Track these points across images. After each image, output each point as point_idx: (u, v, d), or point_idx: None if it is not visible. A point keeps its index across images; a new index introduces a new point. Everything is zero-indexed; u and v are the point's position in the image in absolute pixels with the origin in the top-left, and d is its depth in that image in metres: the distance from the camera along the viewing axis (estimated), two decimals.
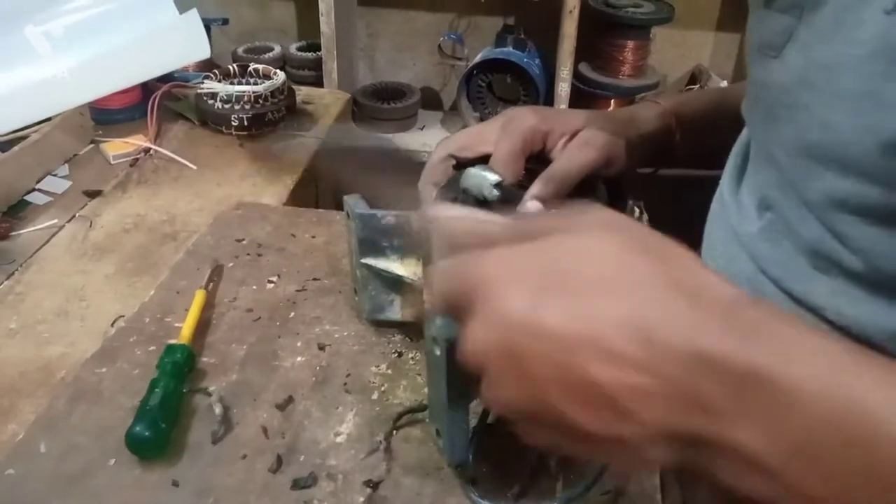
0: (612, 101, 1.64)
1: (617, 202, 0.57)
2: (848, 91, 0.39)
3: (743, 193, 0.52)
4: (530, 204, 0.53)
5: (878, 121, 0.37)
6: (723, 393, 0.29)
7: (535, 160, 0.58)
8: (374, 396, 0.57)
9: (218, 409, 0.54)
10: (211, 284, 0.69)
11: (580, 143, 0.57)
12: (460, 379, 0.44)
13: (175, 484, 0.49)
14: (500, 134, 0.58)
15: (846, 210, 0.41)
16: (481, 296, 0.33)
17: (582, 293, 0.31)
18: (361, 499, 0.49)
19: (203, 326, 0.63)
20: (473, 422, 0.49)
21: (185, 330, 0.61)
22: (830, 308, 0.44)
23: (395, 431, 0.54)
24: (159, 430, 0.51)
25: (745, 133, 0.56)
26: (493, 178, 0.52)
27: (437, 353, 0.43)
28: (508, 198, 0.53)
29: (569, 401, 0.31)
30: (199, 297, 0.65)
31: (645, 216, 0.55)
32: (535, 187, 0.55)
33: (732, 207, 0.53)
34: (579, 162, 0.56)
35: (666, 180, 0.68)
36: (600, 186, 0.58)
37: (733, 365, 0.29)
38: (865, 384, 0.29)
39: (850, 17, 0.38)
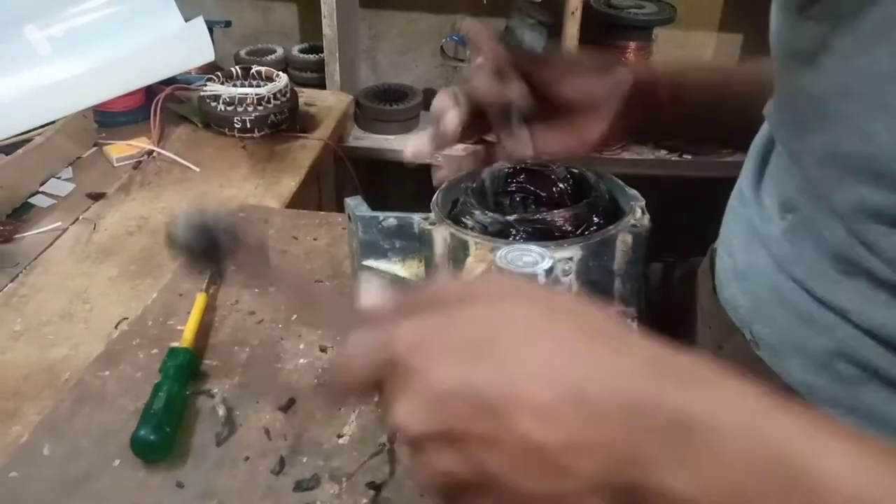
0: None
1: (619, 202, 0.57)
2: (891, 103, 0.38)
3: (764, 193, 0.52)
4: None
5: None
6: (653, 439, 0.29)
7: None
8: (377, 398, 0.57)
9: (221, 411, 0.54)
10: (213, 287, 0.69)
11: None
12: None
13: (180, 485, 0.50)
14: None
15: (877, 220, 0.40)
16: (407, 369, 0.33)
17: (507, 357, 0.31)
18: (364, 500, 0.49)
19: (206, 329, 0.64)
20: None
21: (187, 333, 0.61)
22: (855, 311, 0.43)
23: (398, 433, 0.54)
24: (164, 433, 0.51)
25: (764, 131, 0.55)
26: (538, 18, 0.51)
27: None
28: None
29: (505, 464, 0.31)
30: (199, 301, 0.65)
31: (646, 217, 0.55)
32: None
33: (753, 206, 0.52)
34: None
35: (673, 180, 0.68)
36: (601, 187, 0.58)
37: (663, 411, 0.29)
38: (792, 431, 0.29)
39: (890, 28, 0.37)
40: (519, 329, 0.32)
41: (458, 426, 0.31)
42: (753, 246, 0.51)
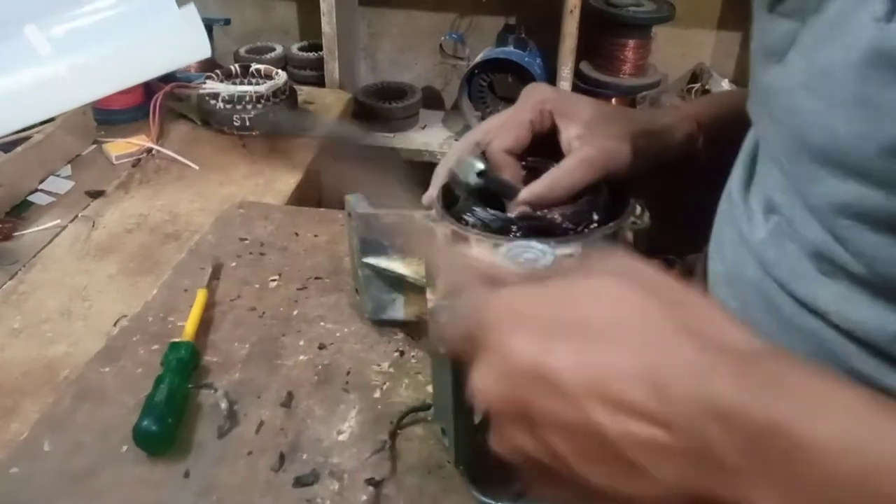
0: (613, 99, 1.64)
1: (619, 199, 0.58)
2: (845, 97, 0.39)
3: (752, 197, 0.52)
4: (520, 209, 0.53)
5: (877, 127, 0.37)
6: (738, 448, 0.27)
7: (544, 149, 0.58)
8: (376, 395, 0.57)
9: (224, 405, 0.54)
10: (214, 282, 0.69)
11: (580, 158, 0.56)
12: (466, 378, 0.44)
13: (186, 475, 0.50)
14: (508, 117, 0.58)
15: (848, 215, 0.41)
16: (488, 338, 0.32)
17: (589, 339, 0.30)
18: (364, 497, 0.49)
19: (206, 325, 0.64)
20: (476, 420, 0.49)
21: (189, 327, 0.61)
22: (835, 312, 0.44)
23: (398, 430, 0.54)
24: (166, 424, 0.51)
25: (752, 135, 0.56)
26: (478, 165, 0.52)
27: (443, 351, 0.43)
28: (492, 186, 0.53)
29: (576, 453, 0.30)
30: (200, 296, 0.65)
31: (647, 214, 0.55)
32: (525, 192, 0.55)
33: (741, 210, 0.53)
34: (571, 180, 0.56)
35: (669, 177, 0.68)
36: (602, 185, 0.58)
37: (749, 417, 0.27)
38: (891, 443, 0.26)
39: (844, 22, 0.38)
40: (607, 310, 0.31)
41: (529, 404, 0.30)
42: (741, 251, 0.51)
